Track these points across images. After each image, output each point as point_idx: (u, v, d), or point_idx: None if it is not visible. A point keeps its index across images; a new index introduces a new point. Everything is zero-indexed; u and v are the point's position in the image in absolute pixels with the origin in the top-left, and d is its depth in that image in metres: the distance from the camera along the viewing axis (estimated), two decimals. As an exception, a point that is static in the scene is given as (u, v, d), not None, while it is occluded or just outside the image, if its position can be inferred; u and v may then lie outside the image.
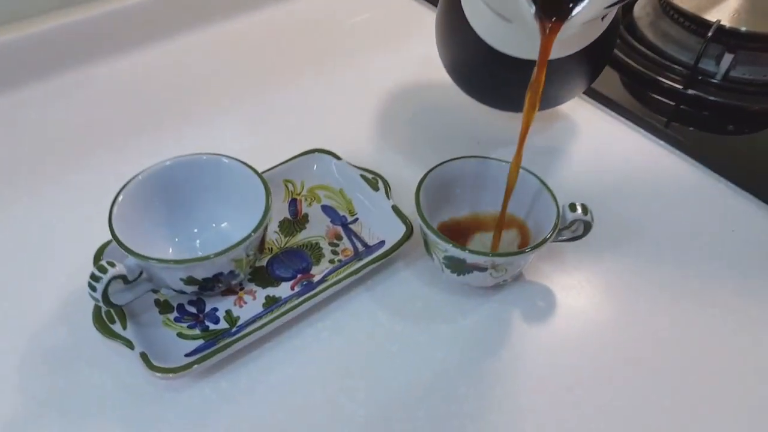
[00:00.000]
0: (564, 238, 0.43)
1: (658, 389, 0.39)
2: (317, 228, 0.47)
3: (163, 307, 0.42)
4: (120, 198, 0.40)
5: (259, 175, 0.42)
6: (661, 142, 0.56)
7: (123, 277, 0.37)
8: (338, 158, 0.50)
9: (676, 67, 0.61)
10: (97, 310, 0.39)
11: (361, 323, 0.42)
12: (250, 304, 0.42)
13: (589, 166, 0.54)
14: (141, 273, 0.39)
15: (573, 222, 0.41)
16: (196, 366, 0.37)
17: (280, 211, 0.48)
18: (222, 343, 0.38)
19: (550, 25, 0.36)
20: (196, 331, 0.40)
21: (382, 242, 0.45)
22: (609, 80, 0.62)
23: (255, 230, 0.39)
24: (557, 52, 0.38)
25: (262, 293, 0.43)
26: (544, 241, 0.40)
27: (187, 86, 0.62)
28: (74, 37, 0.62)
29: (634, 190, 0.52)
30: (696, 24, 0.60)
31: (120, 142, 0.55)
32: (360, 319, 0.42)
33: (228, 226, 0.45)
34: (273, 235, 0.46)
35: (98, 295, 0.37)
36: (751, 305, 0.43)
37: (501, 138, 0.56)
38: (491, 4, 0.41)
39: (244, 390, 0.38)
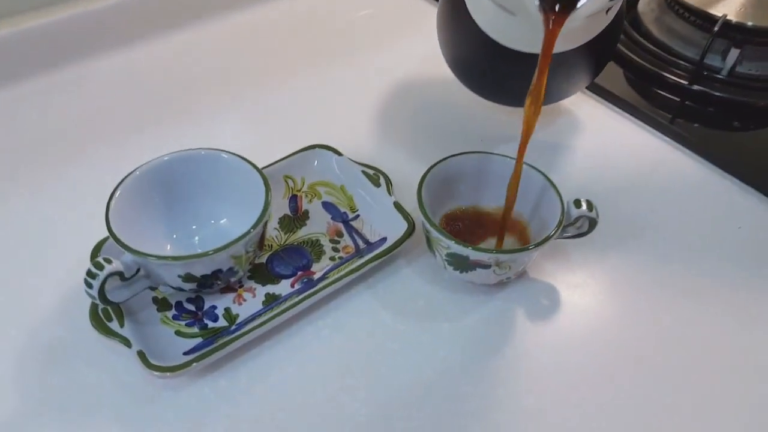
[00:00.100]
0: (569, 234, 0.43)
1: (663, 388, 0.38)
2: (318, 225, 0.47)
3: (161, 304, 0.41)
4: (117, 193, 0.40)
5: (259, 170, 0.42)
6: (666, 139, 0.56)
7: (120, 274, 0.37)
8: (339, 154, 0.49)
9: (681, 62, 0.60)
10: (94, 308, 0.39)
11: (362, 321, 0.41)
12: (250, 301, 0.42)
13: (592, 162, 0.53)
14: (138, 270, 0.38)
15: (578, 218, 0.41)
16: (194, 364, 0.36)
17: (280, 207, 0.47)
18: (221, 342, 0.37)
19: (554, 18, 0.36)
20: (195, 329, 0.40)
21: (384, 239, 0.45)
22: (613, 76, 0.61)
23: (254, 226, 0.38)
24: (560, 45, 0.38)
25: (261, 291, 0.42)
26: (548, 237, 0.39)
27: (188, 81, 0.62)
28: (75, 32, 0.62)
29: (638, 187, 0.51)
30: (702, 19, 0.60)
31: (121, 137, 0.55)
32: (361, 317, 0.41)
33: (227, 223, 0.44)
34: (273, 232, 0.46)
35: (95, 292, 0.36)
36: (757, 303, 0.43)
37: (504, 133, 0.55)
38: (494, -4, 0.40)
39: (243, 389, 0.38)
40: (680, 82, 0.59)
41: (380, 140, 0.55)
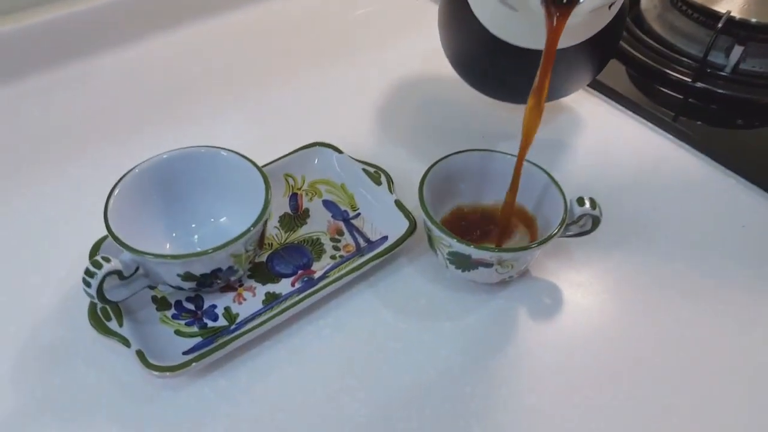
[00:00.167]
0: (571, 233, 0.42)
1: (666, 387, 0.38)
2: (318, 223, 0.46)
3: (161, 303, 0.41)
4: (116, 191, 0.39)
5: (259, 168, 0.41)
6: (669, 136, 0.55)
7: (118, 273, 0.37)
8: (340, 152, 0.49)
9: (684, 59, 0.60)
10: (92, 307, 0.39)
11: (363, 320, 0.41)
12: (250, 300, 0.41)
13: (594, 160, 0.53)
14: (137, 269, 0.38)
15: (581, 216, 0.40)
16: (194, 364, 0.36)
17: (281, 205, 0.47)
18: (221, 341, 0.37)
19: (556, 14, 0.36)
20: (194, 329, 0.40)
21: (385, 238, 0.44)
22: (615, 73, 0.61)
23: (254, 225, 0.38)
24: (562, 41, 0.37)
25: (261, 290, 0.42)
26: (551, 236, 0.39)
27: (190, 80, 0.61)
28: (77, 29, 0.62)
29: (640, 185, 0.51)
30: (705, 15, 0.59)
31: (122, 135, 0.55)
32: (362, 317, 0.41)
33: (227, 221, 0.44)
34: (273, 231, 0.46)
35: (93, 291, 0.36)
36: (761, 302, 0.42)
37: (506, 131, 0.55)
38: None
39: (243, 389, 0.37)
40: (683, 80, 0.58)
41: (381, 138, 0.55)
